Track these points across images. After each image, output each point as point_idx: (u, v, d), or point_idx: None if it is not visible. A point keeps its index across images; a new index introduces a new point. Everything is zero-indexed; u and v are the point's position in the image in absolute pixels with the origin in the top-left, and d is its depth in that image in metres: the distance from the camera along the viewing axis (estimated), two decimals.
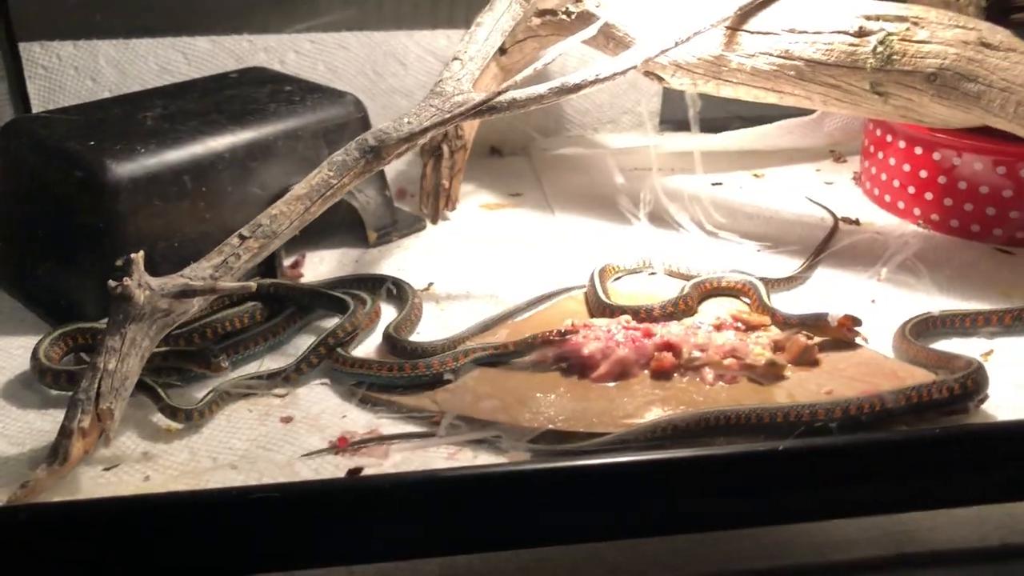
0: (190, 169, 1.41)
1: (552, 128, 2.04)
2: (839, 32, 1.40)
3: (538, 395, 1.19)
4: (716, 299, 1.42)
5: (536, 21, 1.67)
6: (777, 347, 1.26)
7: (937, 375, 1.18)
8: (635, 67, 1.39)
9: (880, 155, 1.74)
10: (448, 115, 1.32)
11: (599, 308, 1.36)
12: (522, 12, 1.50)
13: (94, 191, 1.34)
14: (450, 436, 1.11)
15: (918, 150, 1.64)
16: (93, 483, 1.07)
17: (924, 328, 1.30)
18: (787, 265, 1.52)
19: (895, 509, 1.13)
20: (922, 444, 1.08)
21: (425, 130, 1.31)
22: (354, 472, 1.07)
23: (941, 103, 1.35)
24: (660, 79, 1.52)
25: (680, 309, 1.35)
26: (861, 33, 1.38)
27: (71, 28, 1.84)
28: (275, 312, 1.37)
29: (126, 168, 1.35)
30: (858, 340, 1.28)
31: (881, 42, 1.36)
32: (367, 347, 1.33)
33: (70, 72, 1.84)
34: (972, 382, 1.13)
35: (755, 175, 1.91)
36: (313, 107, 1.56)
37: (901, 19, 1.37)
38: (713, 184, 1.85)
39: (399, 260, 1.59)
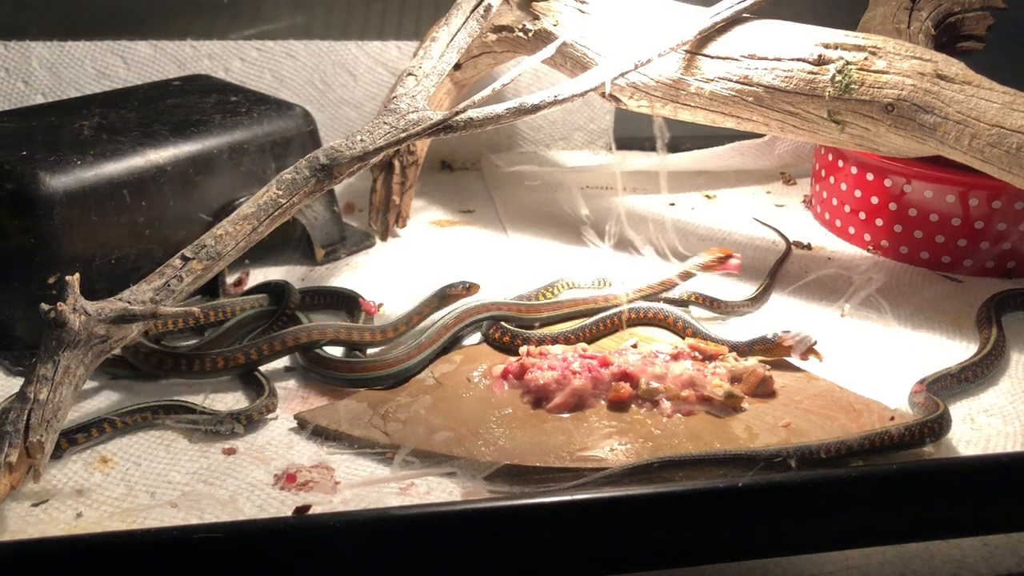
0: (129, 183, 1.34)
1: (504, 144, 2.01)
2: (798, 60, 1.39)
3: (493, 427, 1.16)
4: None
5: (492, 37, 1.64)
6: (734, 378, 1.24)
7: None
8: (595, 89, 1.37)
9: (831, 179, 1.74)
10: (403, 133, 1.28)
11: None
12: (479, 28, 1.47)
13: (25, 205, 1.27)
14: (404, 472, 1.07)
15: (869, 176, 1.65)
16: (21, 521, 1.01)
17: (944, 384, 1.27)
18: (737, 288, 1.52)
19: (850, 544, 1.13)
20: (876, 481, 1.08)
21: (379, 149, 1.27)
22: (302, 510, 1.02)
23: (897, 133, 1.36)
24: (618, 101, 1.50)
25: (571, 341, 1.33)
26: (820, 61, 1.37)
27: (2, 27, 1.76)
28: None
29: (60, 181, 1.28)
30: (812, 359, 1.28)
31: (840, 71, 1.36)
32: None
33: (0, 74, 1.75)
34: (939, 425, 1.13)
35: (707, 196, 1.91)
36: (260, 119, 1.50)
37: (860, 48, 1.37)
38: (666, 204, 1.84)
39: (348, 278, 1.55)
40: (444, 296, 1.35)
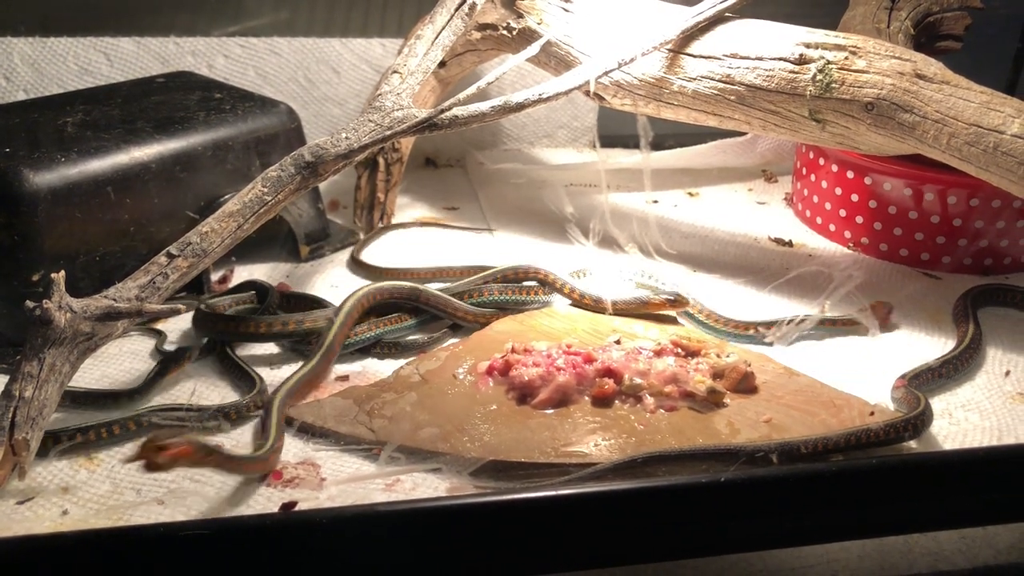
0: (114, 180, 1.34)
1: (488, 141, 2.01)
2: (780, 59, 1.40)
3: (478, 423, 1.17)
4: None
5: (476, 35, 1.65)
6: (716, 374, 1.26)
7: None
8: (579, 87, 1.38)
9: (812, 177, 1.76)
10: (388, 131, 1.28)
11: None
12: (463, 26, 1.48)
13: (9, 202, 1.26)
14: (390, 468, 1.07)
15: (850, 174, 1.67)
16: (6, 519, 1.00)
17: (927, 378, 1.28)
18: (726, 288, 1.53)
19: (831, 538, 1.14)
20: (856, 475, 1.09)
21: (364, 147, 1.27)
22: (288, 506, 1.02)
23: (877, 132, 1.37)
24: (602, 99, 1.51)
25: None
26: (801, 61, 1.39)
27: None
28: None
29: (44, 178, 1.28)
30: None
31: (821, 70, 1.38)
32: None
33: None
34: (920, 422, 1.15)
35: (689, 193, 1.92)
36: (245, 116, 1.50)
37: (840, 48, 1.39)
38: (649, 202, 1.85)
39: (332, 276, 1.55)
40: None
